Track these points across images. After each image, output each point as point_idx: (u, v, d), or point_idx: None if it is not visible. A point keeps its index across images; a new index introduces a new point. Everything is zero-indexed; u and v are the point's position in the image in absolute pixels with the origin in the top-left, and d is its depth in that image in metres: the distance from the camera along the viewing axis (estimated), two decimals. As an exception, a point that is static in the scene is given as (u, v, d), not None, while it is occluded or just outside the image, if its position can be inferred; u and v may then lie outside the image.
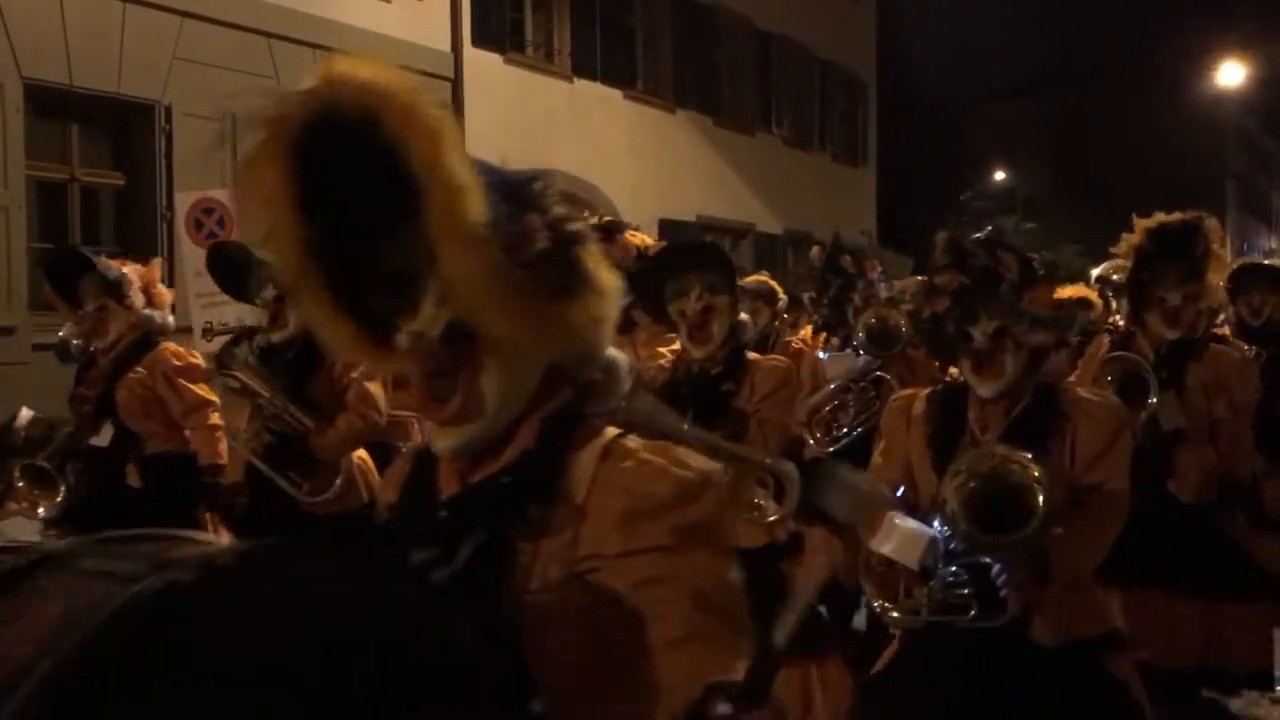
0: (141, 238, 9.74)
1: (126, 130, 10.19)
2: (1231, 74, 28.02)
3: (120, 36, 9.66)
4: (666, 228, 14.50)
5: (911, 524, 2.72)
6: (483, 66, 13.47)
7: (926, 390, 3.06)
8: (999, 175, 35.43)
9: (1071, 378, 4.44)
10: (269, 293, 4.08)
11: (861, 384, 4.89)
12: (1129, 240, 4.24)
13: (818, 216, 21.11)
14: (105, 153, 10.13)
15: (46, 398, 5.59)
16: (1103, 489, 2.74)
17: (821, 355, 5.23)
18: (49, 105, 9.50)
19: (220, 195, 7.71)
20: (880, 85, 23.89)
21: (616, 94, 16.15)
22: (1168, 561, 3.89)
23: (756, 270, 8.97)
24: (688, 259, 3.75)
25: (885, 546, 2.69)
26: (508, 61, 14.07)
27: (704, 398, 3.48)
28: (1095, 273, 7.31)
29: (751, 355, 3.79)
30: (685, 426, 2.12)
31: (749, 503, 3.34)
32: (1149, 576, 3.85)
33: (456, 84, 13.05)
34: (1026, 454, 2.61)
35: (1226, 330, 5.71)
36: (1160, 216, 4.18)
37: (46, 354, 6.18)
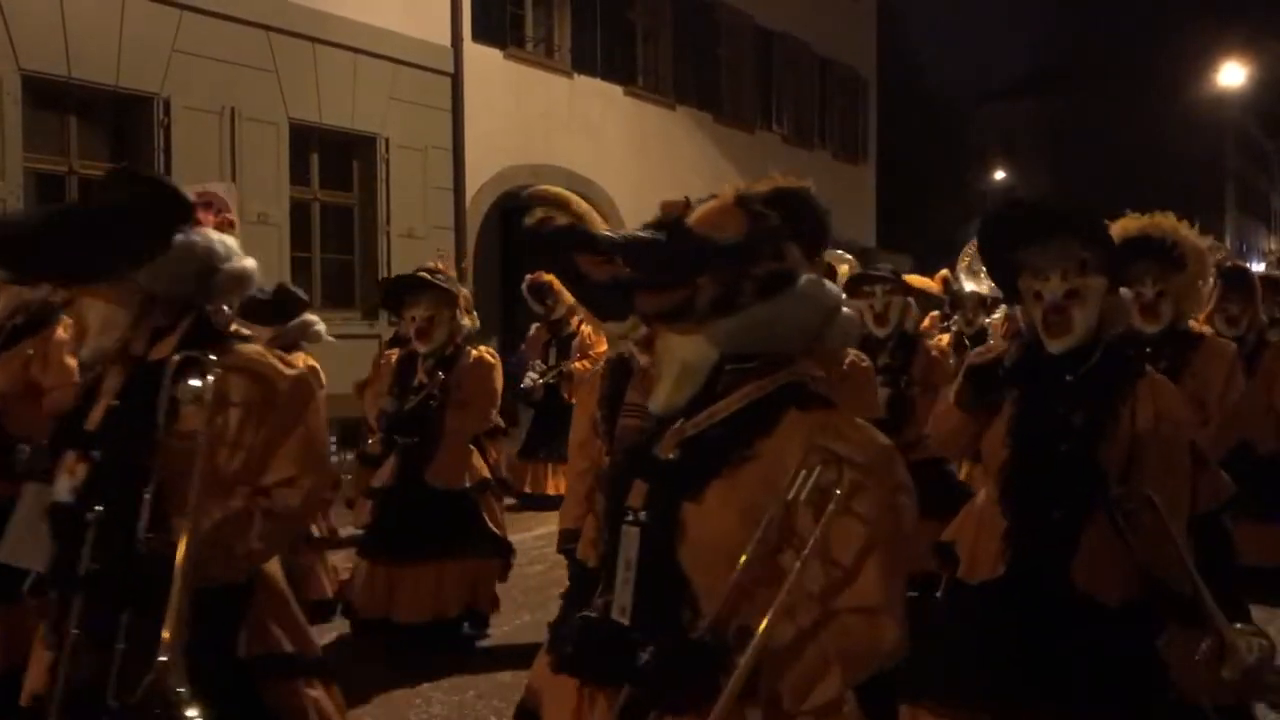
0: (139, 231, 9.69)
1: (125, 123, 10.16)
2: (1232, 74, 28.02)
3: (119, 29, 9.64)
4: (666, 224, 14.45)
5: None
6: (483, 62, 13.44)
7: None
8: (999, 174, 35.47)
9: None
10: None
11: None
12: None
13: (817, 214, 21.10)
14: (103, 145, 10.09)
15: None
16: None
17: None
18: (47, 97, 9.48)
19: (218, 188, 7.64)
20: (880, 83, 23.88)
21: (617, 90, 16.12)
22: None
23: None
24: None
25: None
26: (508, 57, 14.04)
27: None
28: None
29: None
30: None
31: None
32: None
33: (456, 79, 13.02)
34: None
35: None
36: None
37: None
